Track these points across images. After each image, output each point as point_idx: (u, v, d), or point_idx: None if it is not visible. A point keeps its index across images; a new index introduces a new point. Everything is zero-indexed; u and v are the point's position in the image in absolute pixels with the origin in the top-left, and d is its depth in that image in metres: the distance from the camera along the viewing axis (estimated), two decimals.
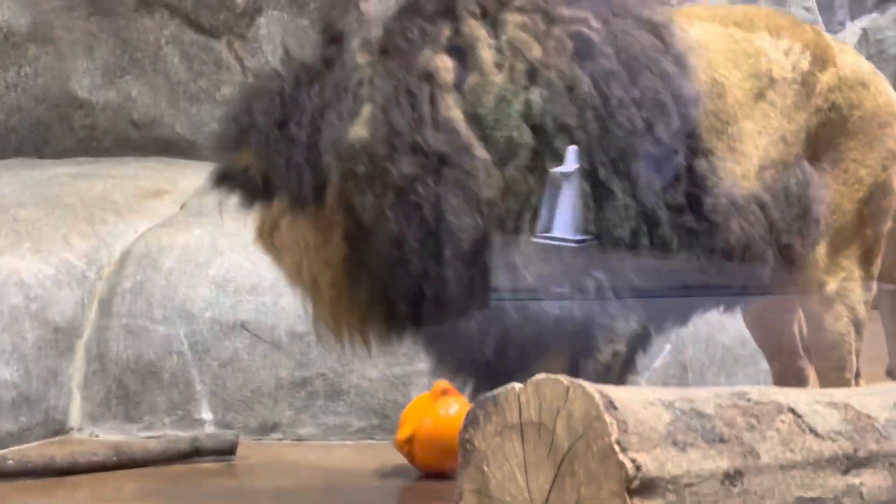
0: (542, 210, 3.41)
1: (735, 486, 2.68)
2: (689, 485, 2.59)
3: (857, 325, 3.88)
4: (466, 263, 3.41)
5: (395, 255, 3.38)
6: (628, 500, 2.47)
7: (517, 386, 2.68)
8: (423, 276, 3.41)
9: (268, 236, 3.49)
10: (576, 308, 3.51)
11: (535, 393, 2.63)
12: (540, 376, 2.66)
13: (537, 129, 3.41)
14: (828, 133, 3.80)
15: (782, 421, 2.87)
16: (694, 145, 3.54)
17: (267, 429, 4.39)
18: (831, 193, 3.77)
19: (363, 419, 4.44)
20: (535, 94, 3.41)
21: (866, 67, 3.94)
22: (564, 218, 3.42)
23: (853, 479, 2.91)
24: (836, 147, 3.82)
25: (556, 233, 3.41)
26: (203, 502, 3.85)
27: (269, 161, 3.44)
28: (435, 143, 3.37)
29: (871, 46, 8.01)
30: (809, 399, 3.02)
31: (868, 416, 3.06)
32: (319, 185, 3.39)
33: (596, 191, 3.44)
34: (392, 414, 4.37)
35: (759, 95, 3.70)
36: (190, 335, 4.43)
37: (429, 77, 3.41)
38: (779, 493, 2.75)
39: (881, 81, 3.93)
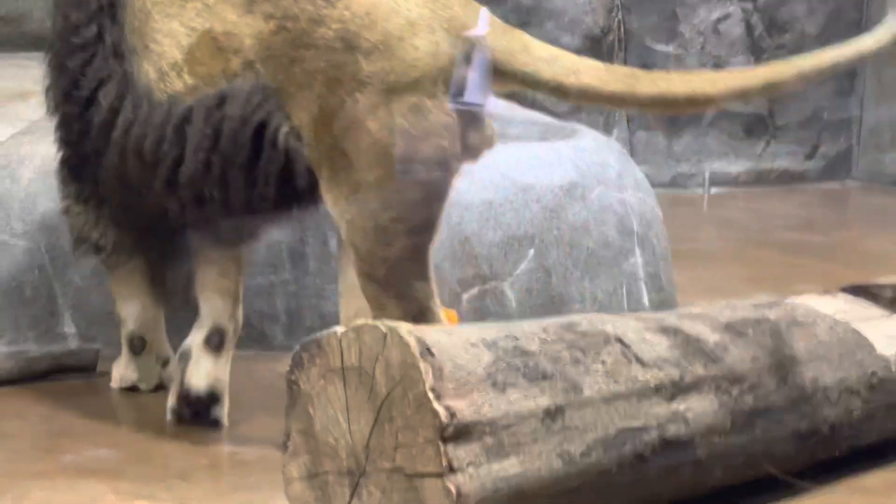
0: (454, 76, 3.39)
1: (556, 422, 2.73)
2: (508, 426, 2.64)
3: None
4: None
5: None
6: (442, 447, 2.51)
7: (339, 330, 2.69)
8: None
9: None
10: None
11: (356, 338, 2.65)
12: (360, 321, 2.68)
13: None
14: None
15: (609, 352, 2.92)
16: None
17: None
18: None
19: None
20: None
21: None
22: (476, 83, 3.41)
23: (678, 406, 2.98)
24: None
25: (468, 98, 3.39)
26: (60, 420, 3.84)
27: None
28: None
29: None
30: (639, 326, 3.07)
31: (698, 340, 3.12)
32: None
33: None
34: (258, 324, 4.37)
35: None
36: (50, 249, 4.38)
37: None
38: (601, 425, 2.81)
39: None
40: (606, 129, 7.82)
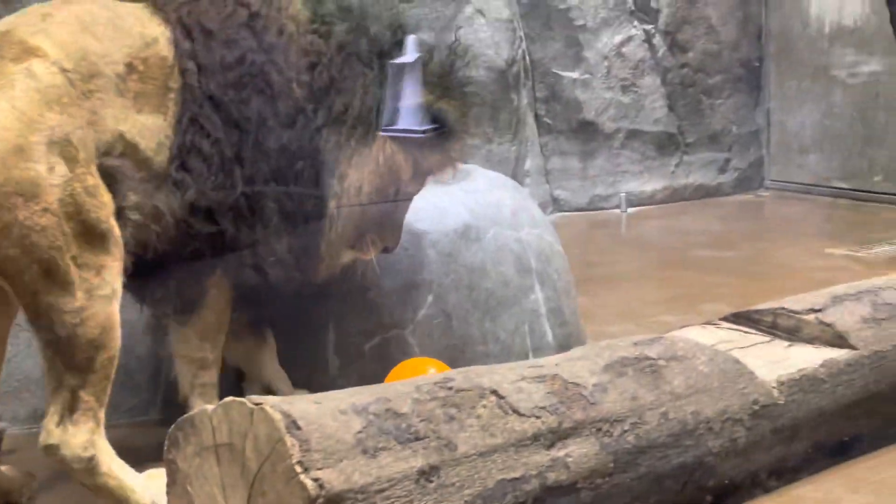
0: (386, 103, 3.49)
1: (431, 481, 2.76)
2: (381, 491, 2.67)
3: None
4: None
5: None
6: None
7: (209, 408, 2.72)
8: None
9: None
10: None
11: (225, 415, 2.68)
12: (228, 399, 2.71)
13: None
14: None
15: (484, 406, 2.96)
16: None
17: (38, 417, 4.38)
18: None
19: (135, 396, 4.46)
20: None
21: None
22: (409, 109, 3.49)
23: (558, 452, 3.02)
24: None
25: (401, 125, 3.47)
26: None
27: None
28: None
29: None
30: (516, 376, 3.11)
31: (576, 384, 3.17)
32: None
33: None
34: (162, 390, 4.39)
35: None
36: None
37: None
38: (479, 479, 2.85)
39: None
40: (520, 158, 7.90)
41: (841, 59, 8.34)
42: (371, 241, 4.07)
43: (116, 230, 3.42)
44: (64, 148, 3.28)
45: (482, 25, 7.40)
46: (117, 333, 3.42)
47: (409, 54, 3.61)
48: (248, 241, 3.74)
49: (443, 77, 3.95)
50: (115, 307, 3.42)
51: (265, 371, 4.28)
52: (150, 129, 3.55)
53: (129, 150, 3.49)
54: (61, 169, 3.27)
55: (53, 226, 3.26)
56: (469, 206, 4.74)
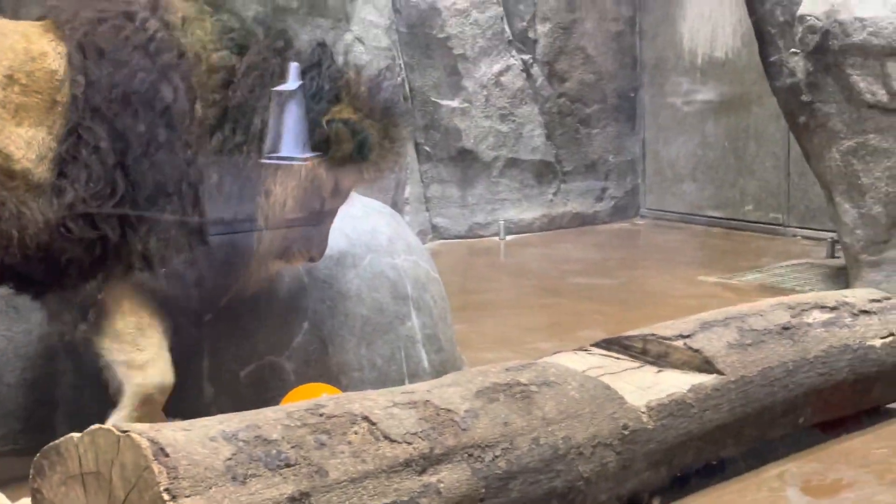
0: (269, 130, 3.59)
1: None
2: None
3: None
4: None
5: None
6: None
7: (76, 436, 2.68)
8: None
9: None
10: None
11: (91, 443, 2.64)
12: (94, 426, 2.67)
13: None
14: None
15: (355, 432, 2.96)
16: None
17: None
18: None
19: (2, 426, 4.37)
20: None
21: None
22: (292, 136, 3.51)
23: (430, 478, 3.03)
24: None
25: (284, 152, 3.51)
26: None
27: None
28: None
29: None
30: (388, 402, 3.12)
31: (448, 410, 3.19)
32: None
33: None
34: (34, 417, 4.31)
35: None
36: None
37: None
38: None
39: None
40: (399, 186, 7.93)
41: (713, 91, 8.53)
42: (298, 252, 4.21)
43: None
44: None
45: (361, 53, 7.42)
46: None
47: (292, 82, 3.64)
48: (134, 249, 3.77)
49: (361, 99, 4.06)
50: None
51: None
52: (29, 142, 3.60)
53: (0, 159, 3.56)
54: None
55: None
56: (346, 232, 4.74)
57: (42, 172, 3.62)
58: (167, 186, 3.77)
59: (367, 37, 7.71)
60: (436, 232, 8.41)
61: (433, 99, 8.31)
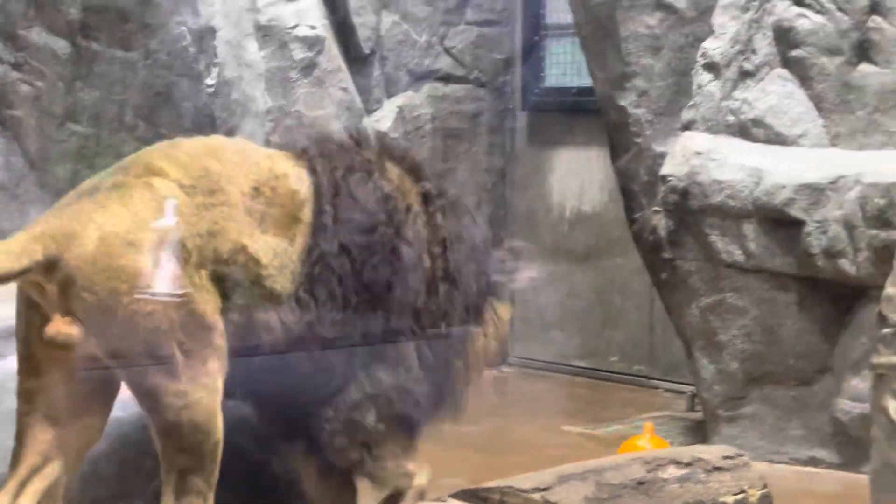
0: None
1: None
2: None
3: None
4: None
5: None
6: None
7: None
8: None
9: None
10: None
11: None
12: None
13: None
14: None
15: None
16: None
17: None
18: None
19: None
20: None
21: None
22: None
23: None
24: None
25: None
26: None
27: None
28: None
29: (407, 123, 8.37)
30: None
31: None
32: None
33: None
34: None
35: None
36: None
37: None
38: None
39: None
40: None
41: (581, 244, 8.72)
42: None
43: (221, 325, 3.76)
44: (175, 248, 3.67)
45: None
46: (221, 423, 3.71)
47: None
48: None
49: None
50: (218, 400, 3.73)
51: None
52: (274, 250, 3.86)
53: (250, 262, 3.82)
54: (170, 264, 3.61)
55: (159, 311, 3.59)
56: None
57: (284, 283, 3.88)
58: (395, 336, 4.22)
59: None
60: None
61: None
